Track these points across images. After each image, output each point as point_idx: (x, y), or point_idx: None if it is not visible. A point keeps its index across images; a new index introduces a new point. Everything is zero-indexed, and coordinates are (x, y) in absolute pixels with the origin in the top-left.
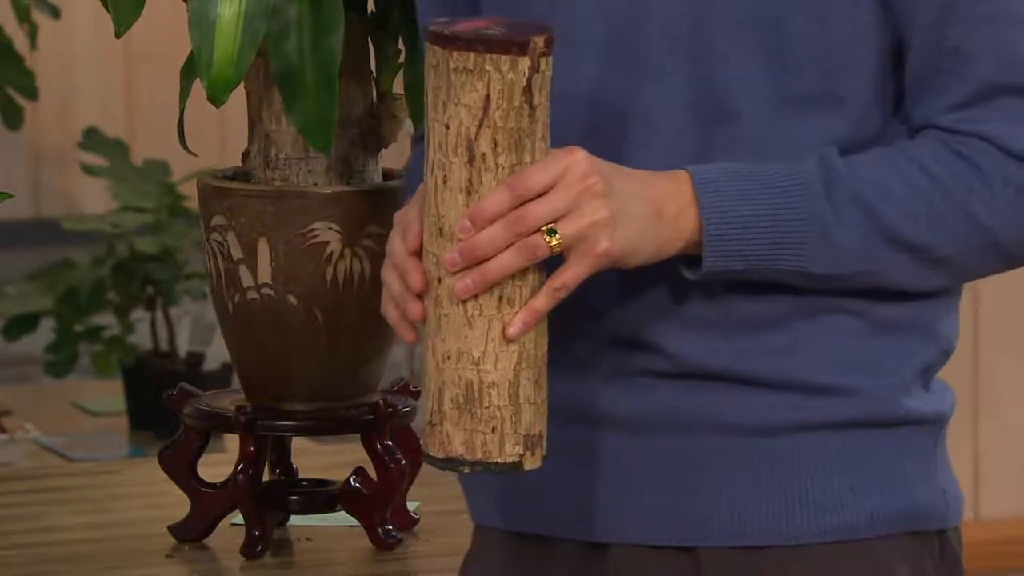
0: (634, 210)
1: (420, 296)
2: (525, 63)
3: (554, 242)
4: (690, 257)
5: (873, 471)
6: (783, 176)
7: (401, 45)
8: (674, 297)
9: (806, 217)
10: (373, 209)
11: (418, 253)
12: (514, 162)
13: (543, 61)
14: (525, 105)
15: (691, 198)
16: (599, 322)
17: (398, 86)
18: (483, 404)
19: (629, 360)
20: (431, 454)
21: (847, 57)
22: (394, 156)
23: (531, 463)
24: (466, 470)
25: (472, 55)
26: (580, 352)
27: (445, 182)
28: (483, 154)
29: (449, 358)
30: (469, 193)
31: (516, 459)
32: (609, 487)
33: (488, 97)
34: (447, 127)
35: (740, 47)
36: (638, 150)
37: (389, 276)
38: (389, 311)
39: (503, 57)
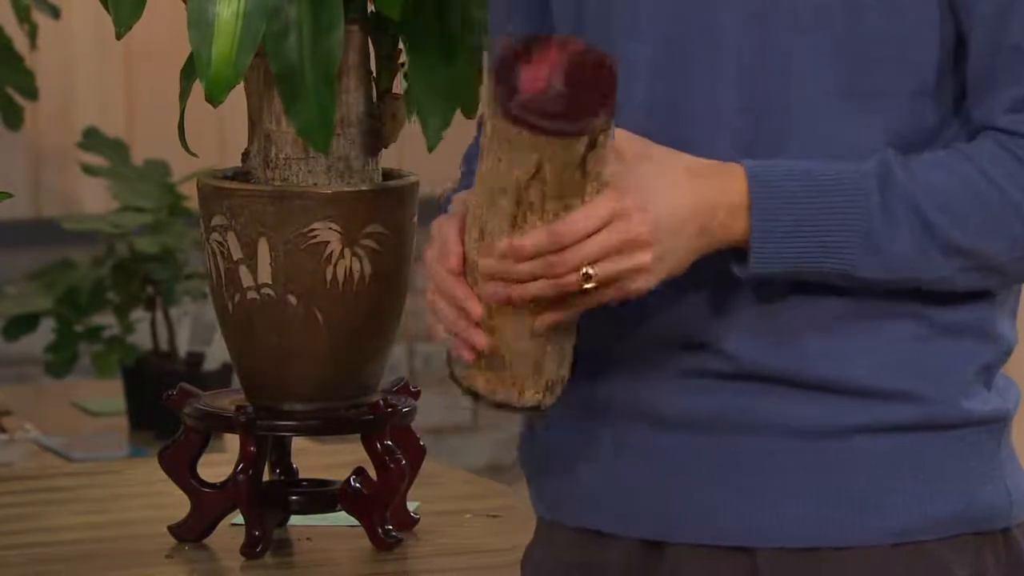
0: (678, 243)
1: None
2: (582, 143)
3: (589, 285)
4: (740, 252)
5: (933, 473)
6: (838, 179)
7: (400, 45)
8: (731, 298)
9: (856, 223)
10: (373, 209)
11: (462, 273)
12: (559, 209)
13: (601, 137)
14: (578, 171)
15: (744, 199)
16: (656, 322)
17: (398, 86)
18: (507, 367)
19: (687, 360)
20: (455, 373)
21: (908, 50)
22: (394, 156)
23: (549, 401)
24: (484, 404)
25: (527, 134)
26: (638, 352)
27: (492, 203)
28: (531, 202)
29: (479, 326)
30: (513, 227)
31: (535, 403)
32: (666, 486)
33: (540, 165)
34: (499, 163)
35: (807, 39)
36: (690, 129)
37: (439, 303)
38: (441, 332)
39: (559, 140)
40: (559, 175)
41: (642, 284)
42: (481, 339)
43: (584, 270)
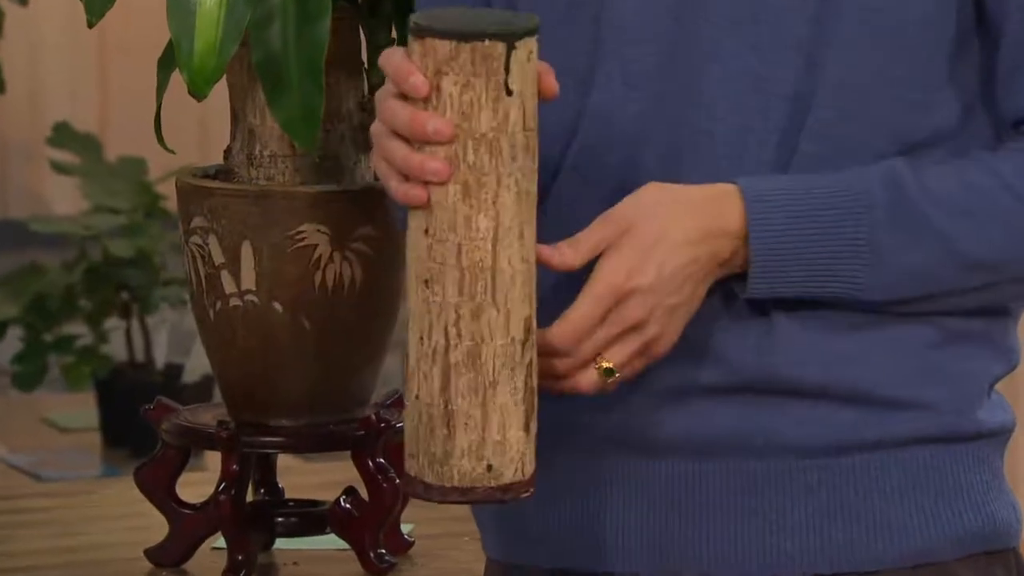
0: (684, 295)
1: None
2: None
3: (612, 377)
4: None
5: (951, 489)
6: (843, 197)
7: (394, 34)
8: (733, 305)
9: (864, 246)
10: (365, 210)
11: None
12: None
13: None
14: None
15: (741, 229)
16: None
17: None
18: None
19: (683, 375)
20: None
21: (921, 40)
22: None
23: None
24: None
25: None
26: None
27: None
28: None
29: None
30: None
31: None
32: (669, 516)
33: None
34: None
35: (854, 30)
36: (698, 137)
37: (388, 143)
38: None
39: None
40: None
41: (664, 347)
42: (438, 164)
43: (599, 364)
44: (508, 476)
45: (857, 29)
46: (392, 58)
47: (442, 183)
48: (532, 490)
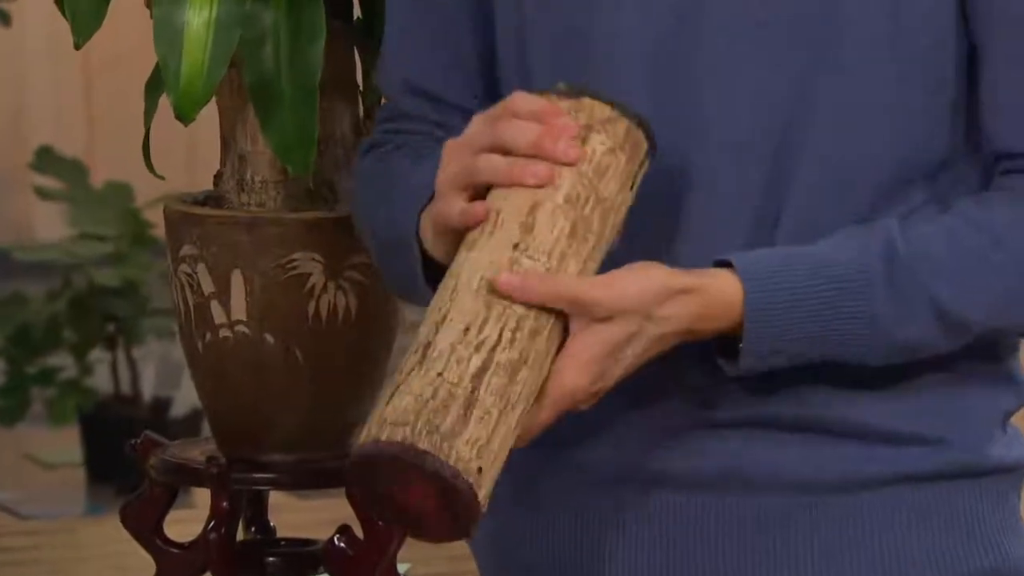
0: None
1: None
2: None
3: None
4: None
5: (961, 526)
6: (839, 271)
7: None
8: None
9: (861, 319)
10: (359, 238)
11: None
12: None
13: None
14: None
15: (737, 300)
16: (647, 369)
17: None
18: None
19: (684, 410)
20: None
21: (923, 68)
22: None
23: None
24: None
25: None
26: (622, 405)
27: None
28: None
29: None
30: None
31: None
32: (670, 552)
33: None
34: None
35: (864, 44)
36: (693, 171)
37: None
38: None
39: None
40: None
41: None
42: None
43: None
44: (483, 493)
45: (857, 60)
46: (535, 99)
47: (553, 210)
48: (474, 532)
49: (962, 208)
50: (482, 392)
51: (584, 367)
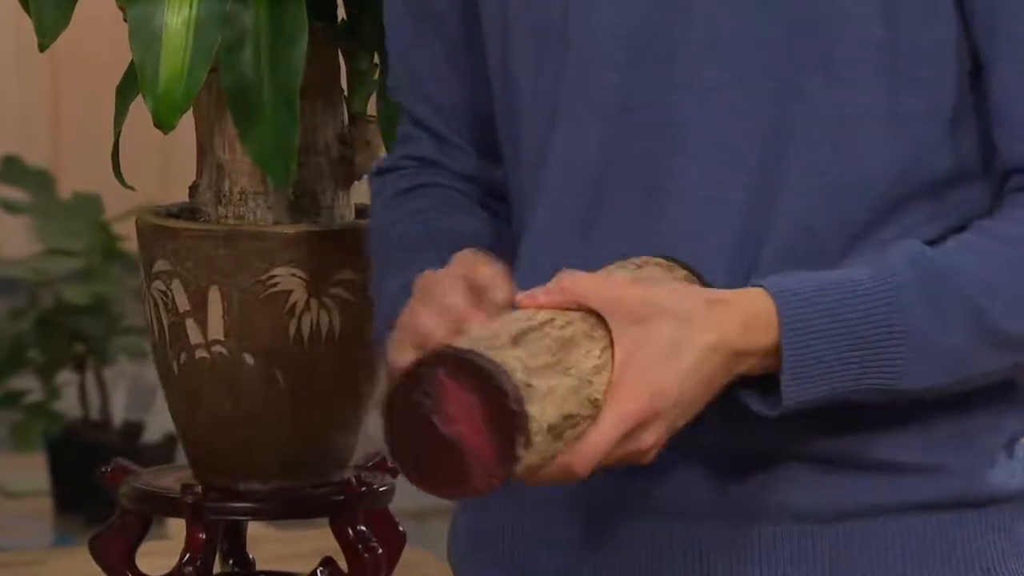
0: (686, 421)
1: None
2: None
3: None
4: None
5: (960, 557)
6: (870, 285)
7: (377, 60)
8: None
9: (902, 331)
10: (344, 252)
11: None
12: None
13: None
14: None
15: (774, 337)
16: None
17: (372, 107)
18: None
19: (686, 438)
20: None
21: (922, 76)
22: (368, 190)
23: None
24: None
25: None
26: None
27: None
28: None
29: None
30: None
31: None
32: None
33: None
34: None
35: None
36: (670, 172)
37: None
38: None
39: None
40: None
41: (648, 460)
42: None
43: None
44: (533, 410)
45: (849, 66)
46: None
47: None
48: (483, 492)
49: (980, 224)
50: (532, 338)
51: (636, 380)
